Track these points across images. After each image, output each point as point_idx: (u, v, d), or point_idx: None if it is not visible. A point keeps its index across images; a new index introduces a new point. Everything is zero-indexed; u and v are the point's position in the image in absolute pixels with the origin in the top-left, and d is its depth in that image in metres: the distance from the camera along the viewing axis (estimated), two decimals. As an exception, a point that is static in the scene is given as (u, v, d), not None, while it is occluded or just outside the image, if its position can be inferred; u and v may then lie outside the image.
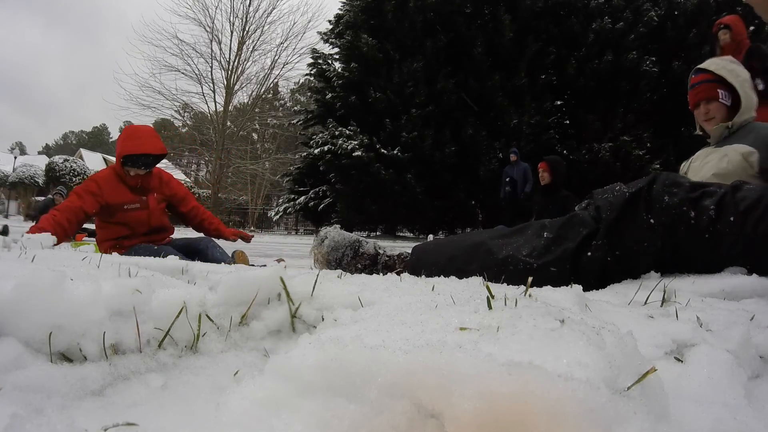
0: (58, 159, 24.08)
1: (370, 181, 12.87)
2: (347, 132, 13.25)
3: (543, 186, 4.98)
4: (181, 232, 3.17)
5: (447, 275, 1.16)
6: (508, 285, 1.07)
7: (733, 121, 1.97)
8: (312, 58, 16.23)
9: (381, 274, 1.31)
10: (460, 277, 1.12)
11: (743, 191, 1.02)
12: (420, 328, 0.45)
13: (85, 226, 3.01)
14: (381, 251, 1.43)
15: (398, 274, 1.28)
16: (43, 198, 7.88)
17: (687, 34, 13.48)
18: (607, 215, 1.06)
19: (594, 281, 1.05)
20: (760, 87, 3.59)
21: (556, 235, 1.12)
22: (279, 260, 3.40)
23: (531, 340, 0.39)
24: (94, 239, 2.88)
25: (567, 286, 1.03)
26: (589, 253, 1.06)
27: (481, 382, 0.31)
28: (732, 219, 0.98)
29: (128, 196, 2.70)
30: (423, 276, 1.19)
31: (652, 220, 1.02)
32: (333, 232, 1.46)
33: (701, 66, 2.10)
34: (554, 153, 13.34)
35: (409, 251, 1.42)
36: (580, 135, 13.44)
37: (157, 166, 2.86)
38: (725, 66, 2.02)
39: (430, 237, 3.40)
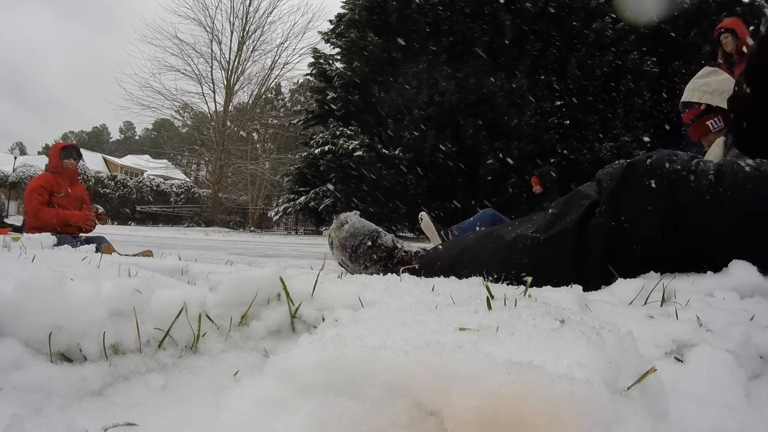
0: (58, 159, 24.04)
1: (371, 181, 12.87)
2: (348, 132, 13.25)
3: (535, 195, 5.69)
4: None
5: (460, 265, 1.20)
6: (517, 263, 1.10)
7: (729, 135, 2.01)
8: (313, 57, 16.21)
9: (395, 269, 1.31)
10: (473, 264, 1.14)
11: (742, 162, 1.04)
12: (420, 328, 0.45)
13: (12, 222, 4.27)
14: (399, 245, 1.40)
15: (412, 270, 1.28)
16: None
17: (687, 34, 13.48)
18: (608, 184, 1.08)
19: (601, 250, 1.04)
20: None
21: (561, 210, 1.14)
22: (146, 252, 3.54)
23: (530, 340, 0.39)
24: (19, 234, 3.57)
25: (574, 257, 1.06)
26: (594, 221, 1.06)
27: (480, 382, 0.31)
28: (732, 182, 0.99)
29: (60, 185, 4.04)
30: (437, 267, 1.22)
31: (653, 185, 1.02)
32: (353, 218, 1.42)
33: (684, 100, 2.17)
34: (554, 153, 13.35)
35: (426, 249, 1.42)
36: (581, 135, 13.43)
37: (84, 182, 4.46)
38: (704, 89, 2.05)
39: (423, 213, 3.36)
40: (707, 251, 1.00)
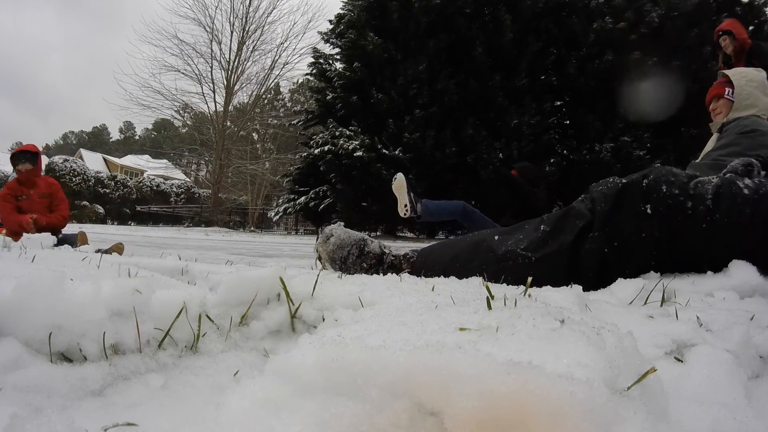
0: (57, 159, 24.10)
1: (371, 181, 12.85)
2: (348, 132, 13.24)
3: (527, 196, 5.98)
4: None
5: (450, 273, 1.16)
6: (508, 280, 1.07)
7: (727, 117, 2.13)
8: (313, 57, 16.21)
9: (387, 274, 1.29)
10: (463, 275, 1.11)
11: (741, 185, 1.03)
12: (420, 328, 0.45)
13: (-3, 222, 4.52)
14: (386, 251, 1.40)
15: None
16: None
17: (687, 34, 13.47)
18: (601, 207, 1.06)
19: (593, 275, 1.04)
20: None
21: (553, 228, 1.12)
22: (116, 246, 3.73)
23: (530, 340, 0.39)
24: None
25: (566, 279, 1.03)
26: (587, 246, 1.05)
27: (480, 382, 0.31)
28: (729, 209, 0.98)
29: (21, 190, 4.33)
30: (428, 275, 1.19)
31: (648, 210, 1.01)
32: (338, 230, 1.41)
33: (723, 71, 2.40)
34: (554, 153, 13.36)
35: (414, 250, 1.42)
36: (581, 135, 13.43)
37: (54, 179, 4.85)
38: (738, 70, 2.30)
39: (399, 174, 3.22)
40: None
